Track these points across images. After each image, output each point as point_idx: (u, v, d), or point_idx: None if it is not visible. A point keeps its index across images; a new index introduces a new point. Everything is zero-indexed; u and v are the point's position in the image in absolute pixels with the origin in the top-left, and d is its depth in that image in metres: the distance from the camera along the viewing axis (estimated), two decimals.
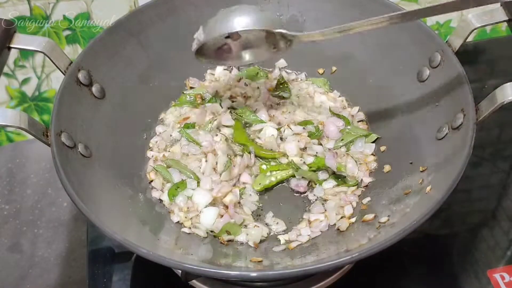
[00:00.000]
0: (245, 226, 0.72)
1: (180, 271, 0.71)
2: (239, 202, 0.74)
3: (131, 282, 0.78)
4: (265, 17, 0.71)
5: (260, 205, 0.76)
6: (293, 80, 0.89)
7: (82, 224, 0.92)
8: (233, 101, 0.85)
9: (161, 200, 0.76)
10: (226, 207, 0.73)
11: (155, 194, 0.76)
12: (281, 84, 0.87)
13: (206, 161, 0.77)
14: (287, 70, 0.90)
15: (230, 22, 0.70)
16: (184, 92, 0.86)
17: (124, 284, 0.78)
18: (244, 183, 0.77)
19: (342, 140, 0.81)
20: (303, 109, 0.84)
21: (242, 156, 0.77)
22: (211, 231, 0.72)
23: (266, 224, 0.73)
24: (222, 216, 0.72)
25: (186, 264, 0.57)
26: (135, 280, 0.79)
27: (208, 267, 0.58)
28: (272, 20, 0.73)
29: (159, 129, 0.83)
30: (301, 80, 0.89)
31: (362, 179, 0.77)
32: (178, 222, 0.73)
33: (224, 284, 0.74)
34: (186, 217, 0.73)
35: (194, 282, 0.74)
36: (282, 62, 0.90)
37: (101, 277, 0.79)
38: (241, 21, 0.69)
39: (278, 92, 0.86)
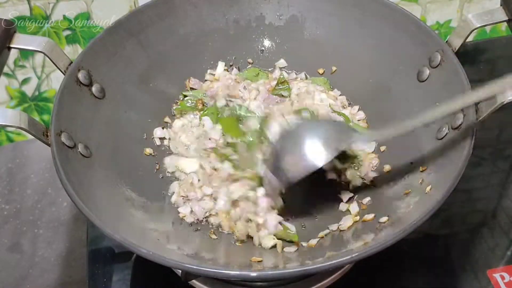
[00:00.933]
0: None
1: (180, 271, 0.71)
2: None
3: (131, 282, 0.78)
4: (335, 135, 0.66)
5: None
6: (292, 79, 0.89)
7: (82, 224, 0.92)
8: (230, 101, 0.85)
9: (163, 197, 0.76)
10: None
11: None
12: (281, 83, 0.87)
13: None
14: (287, 71, 0.90)
15: (307, 162, 0.65)
16: (183, 93, 0.86)
17: (124, 284, 0.78)
18: None
19: None
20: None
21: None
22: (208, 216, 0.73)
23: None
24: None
25: (186, 264, 0.57)
26: (135, 280, 0.79)
27: (208, 267, 0.58)
28: (340, 136, 0.67)
29: (157, 132, 0.82)
30: (301, 79, 0.89)
31: (367, 174, 0.77)
32: (178, 219, 0.73)
33: (224, 284, 0.74)
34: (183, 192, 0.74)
35: (194, 282, 0.74)
36: (282, 62, 0.90)
37: (101, 277, 0.79)
38: (318, 156, 0.64)
39: (277, 91, 0.86)
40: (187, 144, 0.81)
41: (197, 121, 0.84)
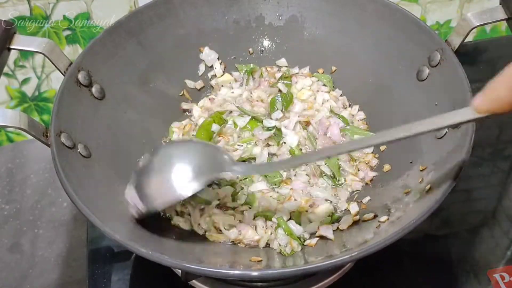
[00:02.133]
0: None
1: (180, 271, 0.71)
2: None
3: (131, 282, 0.78)
4: (208, 163, 0.60)
5: None
6: (296, 73, 0.89)
7: (82, 224, 0.92)
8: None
9: None
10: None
11: None
12: (285, 78, 0.87)
13: None
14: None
15: (173, 190, 0.59)
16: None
17: (124, 284, 0.78)
18: None
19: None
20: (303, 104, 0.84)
21: None
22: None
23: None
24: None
25: (186, 264, 0.57)
26: (135, 280, 0.79)
27: (208, 267, 0.58)
28: (213, 163, 0.61)
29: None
30: (307, 72, 0.89)
31: (367, 174, 0.77)
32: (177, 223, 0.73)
33: (224, 284, 0.74)
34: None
35: (194, 282, 0.74)
36: (283, 61, 0.90)
37: (101, 277, 0.79)
38: (186, 185, 0.59)
39: (277, 84, 0.86)
40: None
41: None
